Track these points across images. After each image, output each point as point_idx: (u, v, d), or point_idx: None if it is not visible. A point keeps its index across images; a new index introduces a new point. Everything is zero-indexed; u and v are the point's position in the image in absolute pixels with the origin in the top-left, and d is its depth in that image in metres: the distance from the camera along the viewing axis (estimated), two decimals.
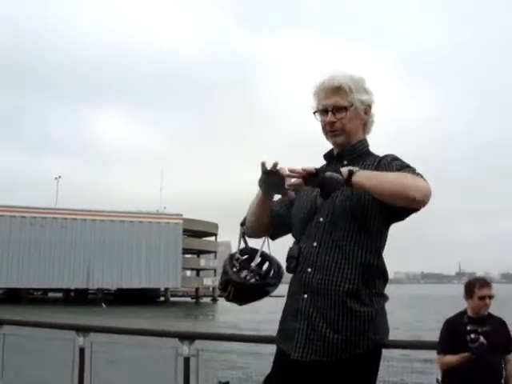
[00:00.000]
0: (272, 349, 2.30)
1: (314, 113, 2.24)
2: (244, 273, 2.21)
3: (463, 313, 3.80)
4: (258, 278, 2.23)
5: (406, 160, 2.14)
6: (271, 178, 2.06)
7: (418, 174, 2.04)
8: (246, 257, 2.28)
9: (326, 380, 2.04)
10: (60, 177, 62.96)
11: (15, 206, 53.82)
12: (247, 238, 2.33)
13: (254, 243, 2.37)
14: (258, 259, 2.27)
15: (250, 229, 2.32)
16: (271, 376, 2.24)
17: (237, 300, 2.25)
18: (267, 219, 2.31)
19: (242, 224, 2.33)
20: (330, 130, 2.21)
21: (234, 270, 2.22)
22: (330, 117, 2.18)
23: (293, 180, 2.01)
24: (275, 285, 2.25)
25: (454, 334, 3.69)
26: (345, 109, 2.17)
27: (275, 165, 2.03)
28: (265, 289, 2.23)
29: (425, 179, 2.02)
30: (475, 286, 3.76)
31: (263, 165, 2.05)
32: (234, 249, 2.36)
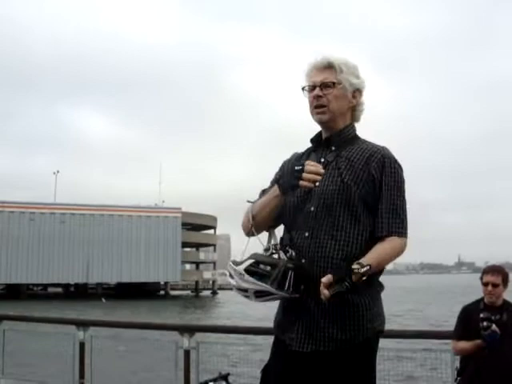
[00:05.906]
0: (271, 340, 2.29)
1: (303, 89, 2.24)
2: (288, 253, 2.07)
3: (480, 300, 3.74)
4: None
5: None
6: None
7: (404, 231, 2.09)
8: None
9: (325, 369, 2.05)
10: (58, 172, 62.48)
11: (14, 201, 53.73)
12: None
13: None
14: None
15: (260, 223, 2.20)
16: (269, 366, 2.24)
17: (298, 287, 2.03)
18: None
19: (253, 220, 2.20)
20: (315, 106, 2.20)
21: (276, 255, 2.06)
22: (316, 91, 2.18)
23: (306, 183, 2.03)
24: None
25: (468, 320, 3.64)
26: (333, 85, 2.18)
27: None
28: None
29: (406, 236, 2.10)
30: (483, 273, 3.71)
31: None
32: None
